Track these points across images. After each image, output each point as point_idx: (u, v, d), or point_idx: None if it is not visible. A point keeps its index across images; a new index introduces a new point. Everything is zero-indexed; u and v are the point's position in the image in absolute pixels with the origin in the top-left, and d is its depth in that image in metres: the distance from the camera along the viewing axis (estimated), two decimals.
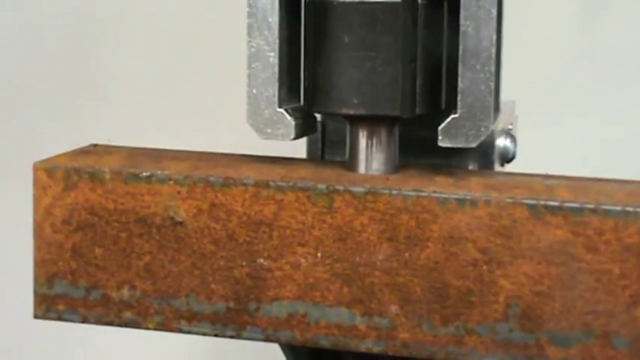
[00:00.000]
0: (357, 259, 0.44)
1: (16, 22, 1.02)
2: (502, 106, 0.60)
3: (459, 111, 0.45)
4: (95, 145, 0.52)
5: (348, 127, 0.48)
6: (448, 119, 0.45)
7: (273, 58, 0.47)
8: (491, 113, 0.45)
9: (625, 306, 0.41)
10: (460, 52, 0.45)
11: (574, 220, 0.41)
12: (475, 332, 0.43)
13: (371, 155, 0.47)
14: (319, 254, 0.44)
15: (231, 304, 0.45)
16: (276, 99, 0.47)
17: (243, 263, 0.45)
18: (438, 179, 0.45)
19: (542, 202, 0.42)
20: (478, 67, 0.45)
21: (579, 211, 0.41)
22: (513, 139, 0.55)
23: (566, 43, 0.99)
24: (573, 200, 0.42)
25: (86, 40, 1.02)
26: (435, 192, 0.43)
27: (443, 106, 0.49)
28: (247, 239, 0.45)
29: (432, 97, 0.48)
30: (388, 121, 0.47)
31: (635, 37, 0.96)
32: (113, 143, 0.53)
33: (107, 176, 0.46)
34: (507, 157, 0.55)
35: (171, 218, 0.45)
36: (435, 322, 0.43)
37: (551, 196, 0.42)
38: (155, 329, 0.46)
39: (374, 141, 0.47)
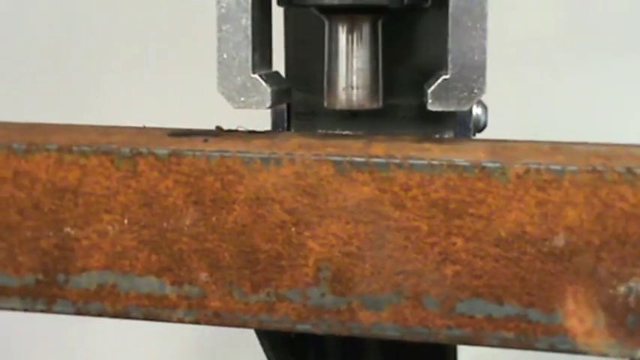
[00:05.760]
0: (165, 224, 0.42)
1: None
2: None
3: (449, 72, 0.42)
4: None
5: (326, 25, 0.44)
6: (438, 81, 0.42)
7: (245, 19, 0.43)
8: (485, 73, 0.42)
9: (435, 264, 0.39)
10: (450, 8, 0.42)
11: (380, 176, 0.40)
12: (286, 298, 0.41)
13: (352, 52, 0.43)
14: (126, 221, 0.42)
15: (40, 277, 0.43)
16: (249, 64, 0.43)
17: (50, 233, 0.43)
18: (254, 141, 0.43)
19: (348, 159, 0.40)
20: (469, 24, 0.42)
21: (385, 166, 0.39)
22: (484, 107, 0.53)
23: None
24: (379, 155, 0.40)
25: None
26: (239, 151, 0.41)
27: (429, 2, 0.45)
28: (53, 207, 0.43)
29: None
30: (371, 14, 0.43)
31: None
32: None
33: None
34: (479, 127, 0.54)
35: None
36: (246, 289, 0.41)
37: (361, 152, 0.40)
38: None
39: (354, 36, 0.43)
